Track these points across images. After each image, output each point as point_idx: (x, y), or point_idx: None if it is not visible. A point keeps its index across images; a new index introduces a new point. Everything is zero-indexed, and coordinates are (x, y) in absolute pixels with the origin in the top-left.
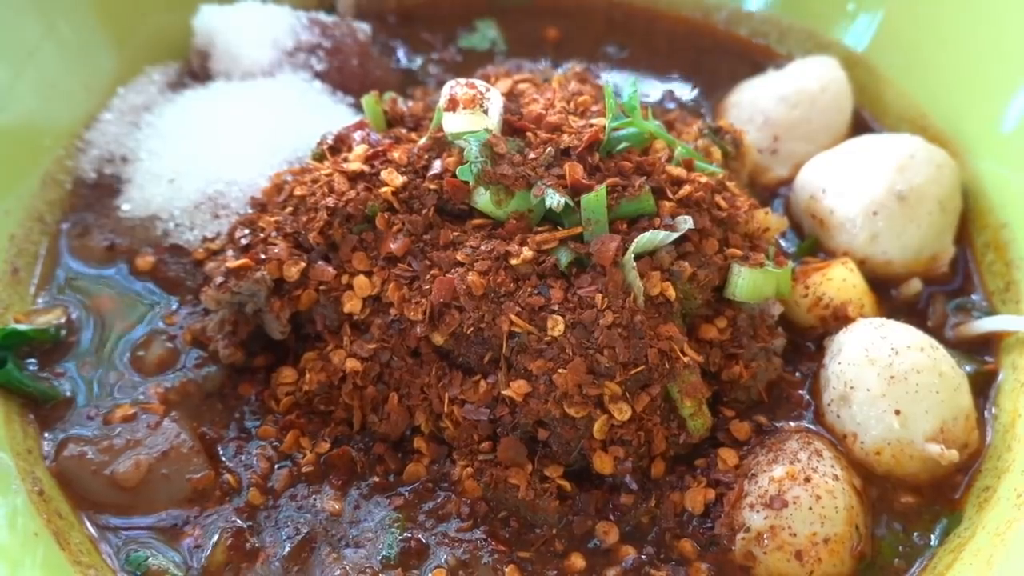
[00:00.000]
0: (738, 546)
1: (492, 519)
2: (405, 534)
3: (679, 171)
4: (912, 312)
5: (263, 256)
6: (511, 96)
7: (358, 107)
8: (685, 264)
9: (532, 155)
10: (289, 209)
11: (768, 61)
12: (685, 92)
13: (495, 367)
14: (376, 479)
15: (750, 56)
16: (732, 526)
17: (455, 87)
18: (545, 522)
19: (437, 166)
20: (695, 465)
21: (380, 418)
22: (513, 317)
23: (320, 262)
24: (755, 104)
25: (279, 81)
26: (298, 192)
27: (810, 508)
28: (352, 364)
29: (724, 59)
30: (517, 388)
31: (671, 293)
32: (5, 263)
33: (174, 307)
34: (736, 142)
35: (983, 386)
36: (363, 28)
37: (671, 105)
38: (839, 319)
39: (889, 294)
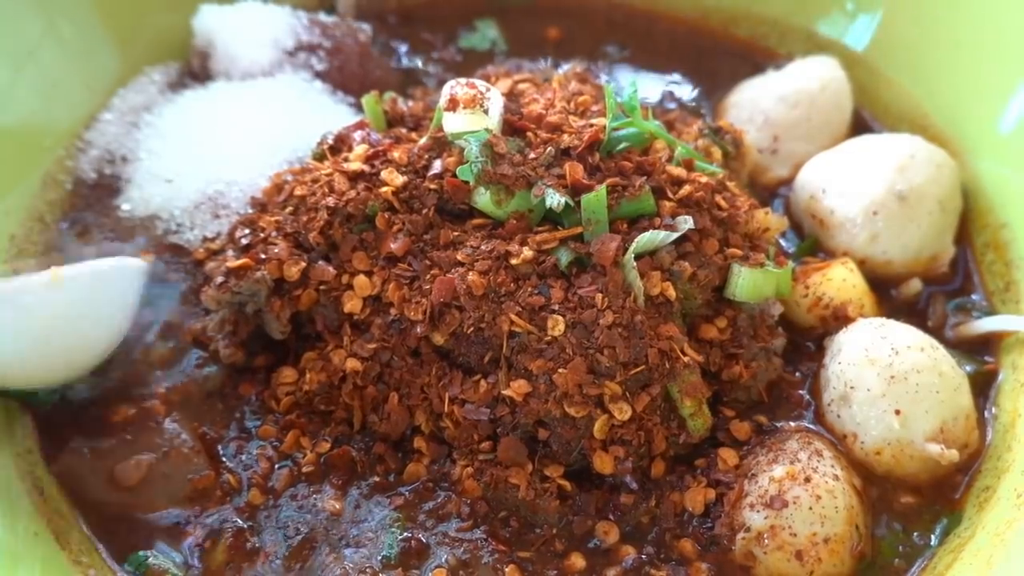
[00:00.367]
0: (738, 546)
1: (492, 519)
2: (405, 534)
3: (679, 171)
4: (912, 312)
5: (263, 256)
6: (511, 96)
7: (358, 107)
8: (685, 264)
9: (532, 155)
10: (289, 209)
11: (768, 61)
12: (685, 92)
13: (495, 367)
14: (376, 479)
15: (750, 56)
16: (732, 526)
17: (455, 87)
18: (545, 522)
19: (437, 166)
20: (695, 465)
21: (380, 418)
22: (513, 317)
23: (320, 262)
24: (755, 104)
25: (279, 81)
26: (298, 192)
27: (810, 508)
28: (352, 364)
29: (724, 59)
30: (517, 388)
31: (671, 293)
32: (5, 263)
33: (174, 307)
34: (736, 142)
35: (983, 386)
36: (363, 28)
37: (671, 105)
38: (839, 319)
39: (889, 294)
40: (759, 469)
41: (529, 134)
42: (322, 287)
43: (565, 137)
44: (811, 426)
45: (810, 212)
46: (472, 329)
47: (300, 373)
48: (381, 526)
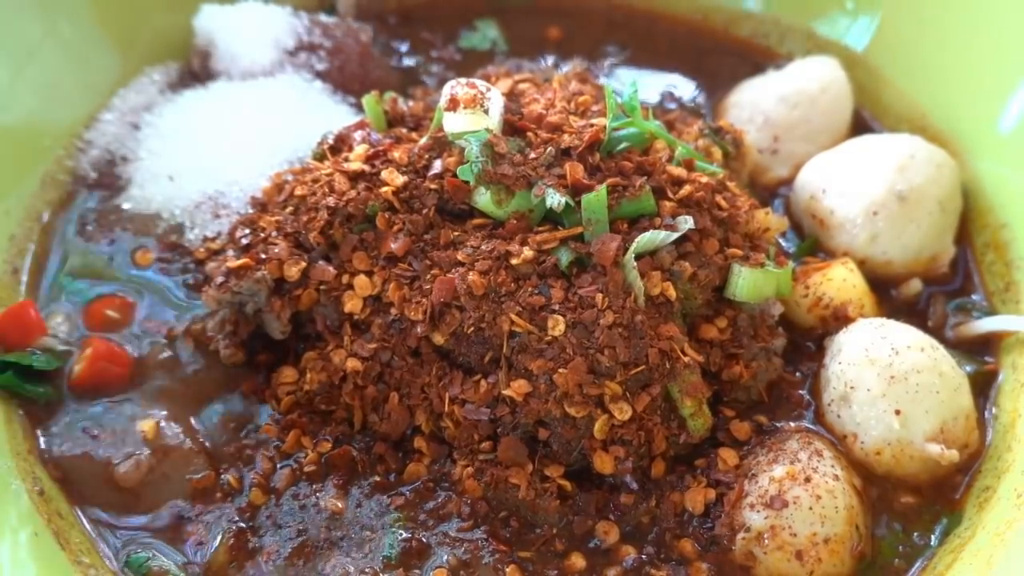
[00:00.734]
0: (738, 546)
1: (493, 519)
2: (406, 534)
3: (679, 171)
4: (912, 312)
5: (263, 256)
6: (512, 96)
7: (358, 107)
8: (686, 264)
9: (533, 155)
10: (290, 209)
11: (768, 61)
12: (685, 92)
13: (495, 367)
14: (377, 479)
15: (750, 56)
16: (732, 526)
17: (456, 87)
18: (545, 522)
19: (438, 166)
20: (695, 465)
21: (381, 418)
22: (514, 317)
23: (320, 262)
24: (755, 104)
25: (280, 81)
26: (299, 192)
27: (810, 508)
28: (353, 364)
29: (724, 59)
30: (517, 388)
31: (671, 293)
32: (5, 263)
33: (174, 307)
34: (736, 142)
35: (983, 386)
36: (364, 28)
37: (671, 105)
38: (839, 319)
39: (889, 294)
40: (759, 469)
41: (529, 134)
42: (322, 287)
43: (565, 137)
44: (811, 426)
45: (810, 212)
46: (472, 329)
47: (300, 373)
48: (382, 526)
